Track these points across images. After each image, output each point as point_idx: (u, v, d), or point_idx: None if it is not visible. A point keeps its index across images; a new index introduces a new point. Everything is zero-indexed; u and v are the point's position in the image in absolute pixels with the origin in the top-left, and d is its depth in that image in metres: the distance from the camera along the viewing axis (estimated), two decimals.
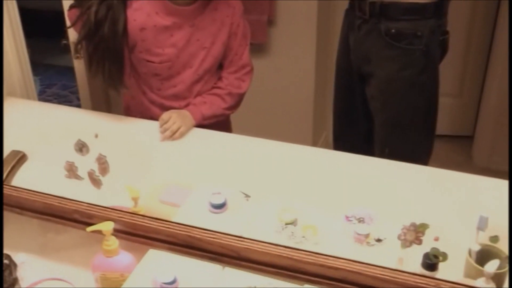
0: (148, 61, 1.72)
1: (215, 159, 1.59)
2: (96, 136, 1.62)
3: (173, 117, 1.69)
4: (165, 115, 1.70)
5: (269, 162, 1.57)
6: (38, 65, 4.09)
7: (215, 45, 1.75)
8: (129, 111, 1.88)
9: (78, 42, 1.70)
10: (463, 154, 3.04)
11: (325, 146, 2.94)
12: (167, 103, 1.79)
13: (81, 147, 1.44)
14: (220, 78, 1.82)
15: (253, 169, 1.53)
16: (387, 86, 1.87)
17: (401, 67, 1.82)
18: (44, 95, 3.78)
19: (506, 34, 2.65)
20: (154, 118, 1.78)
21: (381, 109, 1.93)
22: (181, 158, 1.63)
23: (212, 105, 1.78)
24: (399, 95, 1.86)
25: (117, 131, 1.72)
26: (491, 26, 2.88)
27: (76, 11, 1.71)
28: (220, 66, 1.83)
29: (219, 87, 1.81)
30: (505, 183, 1.37)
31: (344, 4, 2.05)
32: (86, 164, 1.39)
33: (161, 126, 1.69)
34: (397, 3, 1.77)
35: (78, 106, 2.33)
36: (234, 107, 1.84)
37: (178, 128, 1.68)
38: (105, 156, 1.38)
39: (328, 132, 2.49)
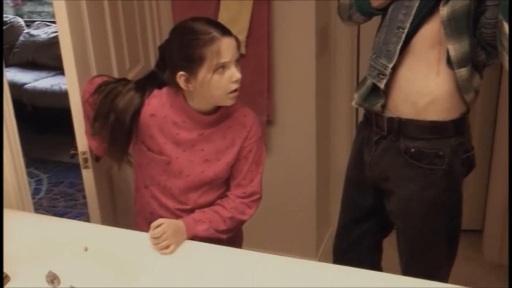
0: (148, 149, 1.69)
1: (209, 274, 1.51)
2: (86, 249, 1.60)
3: (166, 234, 1.59)
4: (158, 231, 1.59)
5: (268, 276, 1.50)
6: (46, 163, 4.15)
7: (219, 162, 1.69)
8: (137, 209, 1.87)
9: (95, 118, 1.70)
10: (473, 249, 2.94)
11: (331, 241, 2.89)
12: (164, 200, 1.74)
13: (53, 279, 1.44)
14: (226, 197, 1.74)
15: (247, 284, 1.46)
16: (407, 205, 1.76)
17: (422, 187, 1.70)
18: (51, 194, 3.78)
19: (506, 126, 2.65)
20: (153, 213, 1.75)
21: (403, 227, 1.83)
22: (172, 273, 1.53)
23: (209, 227, 1.68)
24: (420, 215, 1.74)
25: (107, 244, 1.65)
26: (492, 122, 2.89)
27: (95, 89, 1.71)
28: (227, 184, 1.76)
29: (223, 207, 1.72)
30: None
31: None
32: None
33: (152, 238, 1.60)
34: (415, 120, 1.67)
35: (84, 204, 2.33)
36: (231, 231, 1.73)
37: (168, 246, 1.59)
38: None
39: (333, 228, 2.45)
